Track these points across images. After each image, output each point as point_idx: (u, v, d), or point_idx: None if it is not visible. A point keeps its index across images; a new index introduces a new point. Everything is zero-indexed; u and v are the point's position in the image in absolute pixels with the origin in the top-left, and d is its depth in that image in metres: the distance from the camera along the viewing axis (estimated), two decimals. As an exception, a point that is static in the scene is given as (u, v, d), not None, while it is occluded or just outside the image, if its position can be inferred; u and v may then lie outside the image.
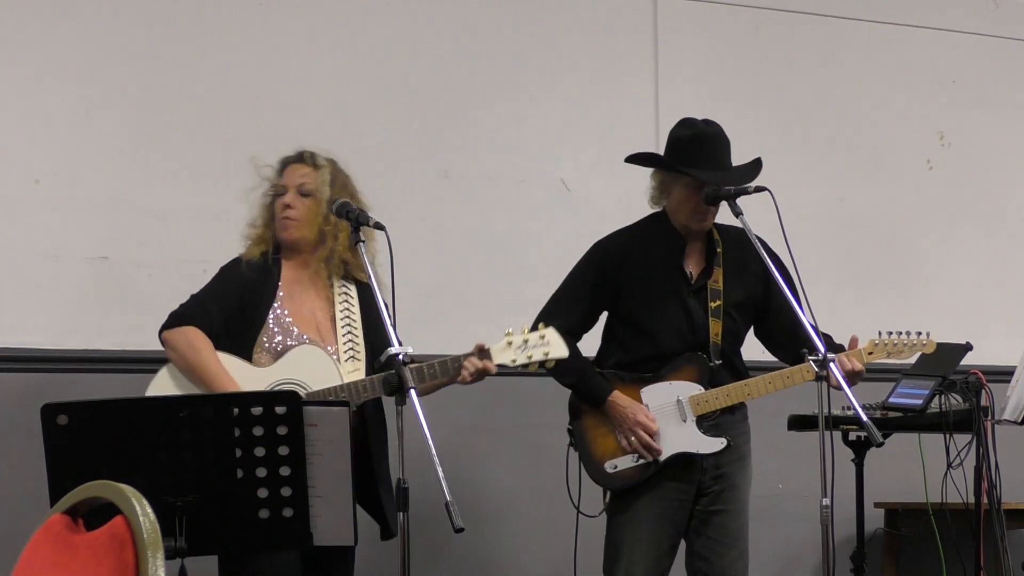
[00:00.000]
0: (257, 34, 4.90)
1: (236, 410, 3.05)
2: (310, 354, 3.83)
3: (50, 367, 4.48)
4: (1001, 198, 5.92)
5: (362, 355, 3.91)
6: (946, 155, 5.86)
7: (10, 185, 4.58)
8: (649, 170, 4.22)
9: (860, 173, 5.72)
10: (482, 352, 3.81)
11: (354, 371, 3.86)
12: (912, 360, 4.48)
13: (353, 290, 4.00)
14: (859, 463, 4.82)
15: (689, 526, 4.13)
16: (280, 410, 3.06)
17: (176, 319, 3.88)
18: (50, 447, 3.03)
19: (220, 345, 3.85)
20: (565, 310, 4.15)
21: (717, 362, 4.10)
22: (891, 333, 4.13)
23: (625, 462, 4.07)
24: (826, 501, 3.64)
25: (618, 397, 4.07)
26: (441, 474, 3.04)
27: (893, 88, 5.79)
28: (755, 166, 4.15)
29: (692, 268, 4.16)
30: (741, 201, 3.97)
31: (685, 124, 4.15)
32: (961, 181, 5.86)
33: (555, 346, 3.88)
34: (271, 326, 3.88)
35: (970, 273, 5.82)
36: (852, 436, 4.81)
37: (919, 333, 4.17)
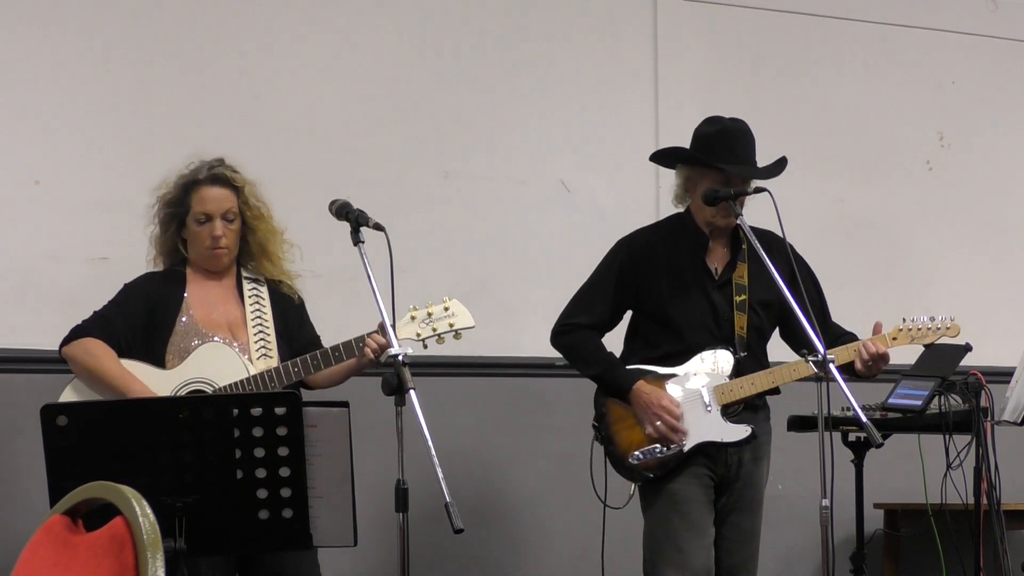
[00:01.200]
0: (257, 35, 4.90)
1: (236, 411, 3.05)
2: (215, 351, 3.83)
3: (50, 367, 4.47)
4: (1001, 198, 5.91)
5: (274, 353, 3.89)
6: (946, 155, 5.85)
7: (10, 185, 4.57)
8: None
9: (860, 173, 5.71)
10: (384, 329, 3.74)
11: (267, 369, 3.84)
12: (912, 360, 4.49)
13: (264, 291, 3.99)
14: (859, 464, 4.82)
15: None
16: (280, 411, 3.06)
17: (75, 333, 3.88)
18: (50, 448, 3.04)
19: (130, 354, 3.84)
20: (589, 306, 4.16)
21: (742, 354, 4.08)
22: (915, 319, 4.14)
23: (649, 453, 4.05)
24: (826, 502, 3.64)
25: (643, 386, 4.05)
26: (441, 475, 3.03)
27: (893, 88, 5.79)
28: (780, 164, 4.16)
29: (716, 264, 4.15)
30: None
31: (711, 121, 4.15)
32: (961, 181, 5.86)
33: (460, 317, 3.84)
34: (181, 330, 3.88)
35: (970, 273, 5.81)
36: (852, 437, 4.81)
37: (943, 317, 4.17)
